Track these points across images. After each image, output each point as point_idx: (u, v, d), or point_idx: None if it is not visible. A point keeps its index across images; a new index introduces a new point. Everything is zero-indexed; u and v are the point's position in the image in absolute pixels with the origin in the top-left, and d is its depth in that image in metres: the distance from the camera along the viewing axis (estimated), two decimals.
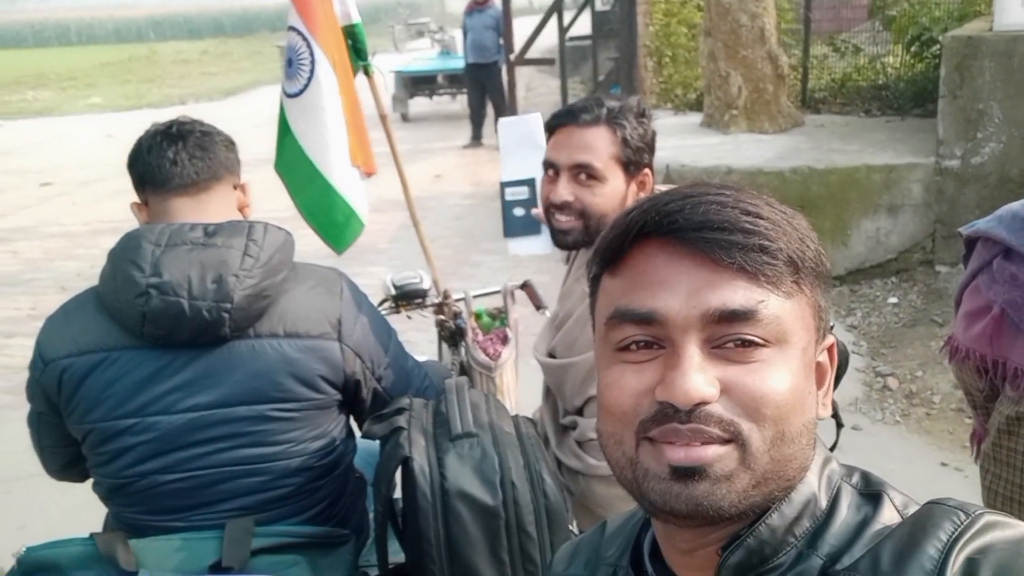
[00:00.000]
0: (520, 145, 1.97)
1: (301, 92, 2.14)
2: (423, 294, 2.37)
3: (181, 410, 1.40)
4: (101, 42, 35.48)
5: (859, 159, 4.96)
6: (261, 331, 1.43)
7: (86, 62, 25.00)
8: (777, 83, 5.96)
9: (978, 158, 4.53)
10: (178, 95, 17.56)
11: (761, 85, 5.90)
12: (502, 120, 2.06)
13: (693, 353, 0.64)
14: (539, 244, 1.97)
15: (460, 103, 12.40)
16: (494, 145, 2.05)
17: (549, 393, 1.79)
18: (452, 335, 2.40)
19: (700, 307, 0.65)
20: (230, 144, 1.59)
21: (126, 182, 1.55)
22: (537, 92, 13.02)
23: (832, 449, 0.77)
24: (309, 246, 2.14)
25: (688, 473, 0.63)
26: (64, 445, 1.53)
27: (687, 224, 0.66)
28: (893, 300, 4.70)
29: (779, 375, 0.65)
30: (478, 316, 2.29)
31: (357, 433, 1.65)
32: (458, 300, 2.35)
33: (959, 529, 0.62)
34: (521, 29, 9.95)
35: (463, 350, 2.28)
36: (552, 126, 1.61)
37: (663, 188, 1.71)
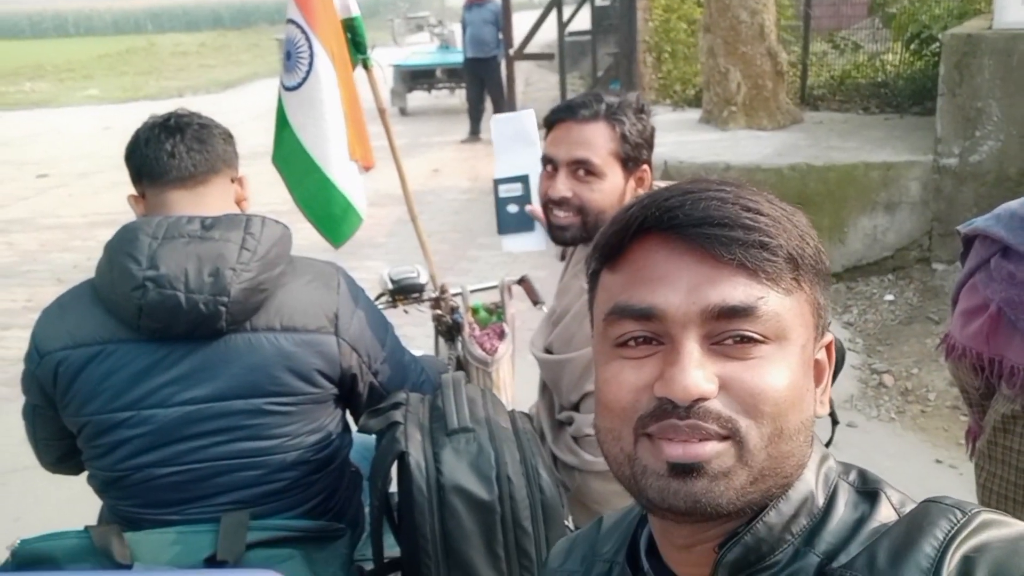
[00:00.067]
0: (514, 142, 1.97)
1: (299, 85, 2.13)
2: (420, 288, 2.37)
3: (177, 403, 1.39)
4: (99, 33, 35.36)
5: (857, 156, 4.96)
6: (258, 325, 1.43)
7: (84, 53, 24.93)
8: (776, 80, 5.95)
9: (976, 156, 4.54)
10: (176, 87, 17.52)
11: (760, 82, 5.90)
12: (495, 117, 2.05)
13: (692, 349, 0.64)
14: (533, 241, 1.97)
15: (459, 97, 12.38)
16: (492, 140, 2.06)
17: (545, 388, 1.79)
18: (449, 330, 2.40)
19: (700, 303, 0.64)
20: (228, 137, 1.58)
21: (123, 174, 1.55)
22: (536, 87, 13.01)
23: (827, 446, 0.77)
24: (306, 239, 2.14)
25: (686, 470, 0.63)
26: (59, 438, 1.53)
27: (687, 220, 0.66)
28: (889, 297, 4.71)
29: (778, 372, 0.65)
30: (475, 311, 2.29)
31: (353, 427, 1.64)
32: (455, 295, 2.35)
33: (956, 527, 0.62)
34: (520, 24, 9.93)
35: (460, 345, 2.28)
36: (551, 121, 1.61)
37: (662, 184, 1.71)
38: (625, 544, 0.80)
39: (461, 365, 2.24)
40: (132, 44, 27.21)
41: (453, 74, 12.13)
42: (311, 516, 1.51)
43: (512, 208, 1.96)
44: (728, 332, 0.65)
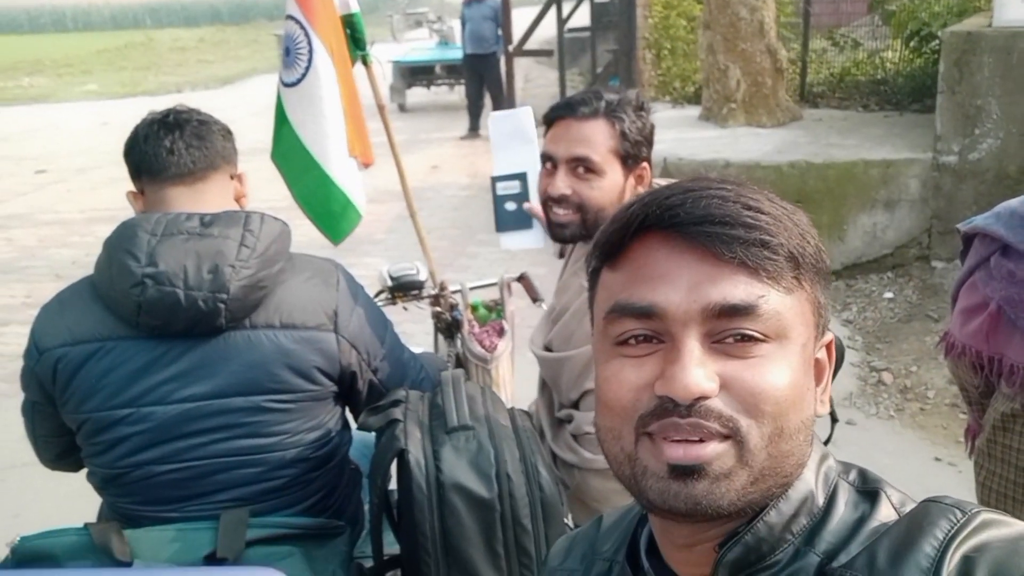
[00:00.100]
0: (511, 139, 1.96)
1: (299, 82, 2.13)
2: (419, 285, 2.37)
3: (176, 400, 1.39)
4: (97, 29, 35.28)
5: (857, 154, 4.96)
6: (257, 322, 1.42)
7: (82, 49, 24.88)
8: (776, 77, 5.95)
9: (975, 154, 4.54)
10: (174, 83, 17.49)
11: (760, 79, 5.90)
12: (493, 114, 2.05)
13: (693, 347, 0.64)
14: (531, 238, 1.97)
15: (458, 94, 12.37)
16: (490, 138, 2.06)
17: (545, 386, 1.79)
18: (448, 327, 2.40)
19: (700, 301, 0.64)
20: (227, 133, 1.58)
21: (122, 170, 1.55)
22: (535, 83, 12.99)
23: (826, 443, 0.77)
24: (305, 236, 2.14)
25: (687, 472, 0.63)
26: (58, 435, 1.53)
27: (688, 218, 0.66)
28: (889, 295, 4.71)
29: (778, 371, 0.65)
30: (474, 308, 2.29)
31: (352, 425, 1.64)
32: (454, 292, 2.35)
33: (955, 527, 0.62)
34: (520, 20, 9.92)
35: (459, 342, 2.28)
36: (550, 119, 1.60)
37: (661, 181, 1.71)
38: (625, 543, 0.80)
39: (460, 362, 2.24)
40: (130, 39, 27.17)
41: (452, 70, 12.11)
42: (311, 513, 1.51)
43: (510, 206, 1.96)
44: (729, 331, 0.65)
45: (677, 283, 0.66)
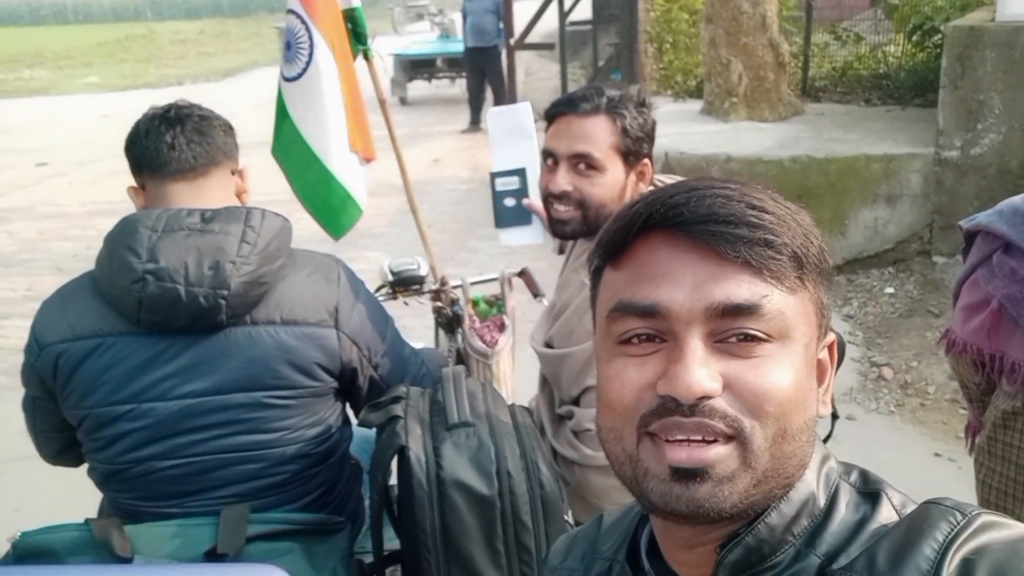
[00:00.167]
0: (510, 135, 1.96)
1: (299, 76, 2.12)
2: (420, 280, 2.37)
3: (177, 396, 1.39)
4: (98, 21, 35.23)
5: (859, 148, 4.95)
6: (258, 318, 1.42)
7: (83, 41, 24.85)
8: (778, 71, 5.94)
9: (978, 149, 4.53)
10: (175, 75, 17.47)
11: (762, 73, 5.88)
12: (491, 110, 2.04)
13: (696, 347, 0.64)
14: (530, 234, 1.96)
15: (459, 87, 12.35)
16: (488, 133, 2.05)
17: (545, 382, 1.79)
18: (449, 322, 2.40)
19: (704, 300, 0.64)
20: (228, 129, 1.57)
21: (122, 163, 1.54)
22: (537, 77, 12.96)
23: (827, 440, 0.77)
24: (306, 229, 2.14)
25: (690, 474, 0.63)
26: (59, 430, 1.53)
27: (692, 217, 0.65)
28: (890, 290, 4.71)
29: (781, 371, 0.65)
30: (475, 303, 2.29)
31: (353, 420, 1.64)
32: (455, 287, 2.35)
33: (955, 529, 0.61)
34: (521, 13, 9.89)
35: (460, 337, 2.27)
36: (551, 115, 1.60)
37: (662, 177, 1.71)
38: (625, 543, 0.79)
39: (461, 357, 2.24)
40: (131, 31, 27.12)
41: (454, 63, 12.08)
42: (311, 509, 1.51)
43: (509, 202, 1.96)
44: (732, 330, 0.64)
45: (680, 282, 0.65)
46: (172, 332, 1.39)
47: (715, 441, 0.63)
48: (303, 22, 2.12)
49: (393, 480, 1.47)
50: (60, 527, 1.37)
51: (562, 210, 1.59)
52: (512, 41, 9.40)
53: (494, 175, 1.97)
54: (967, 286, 1.54)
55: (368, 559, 1.56)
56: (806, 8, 6.88)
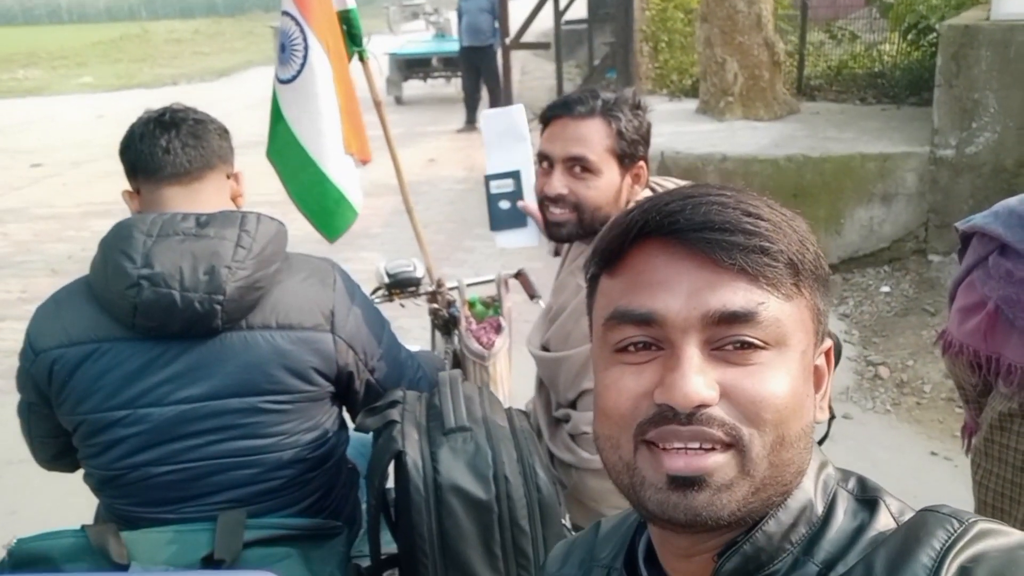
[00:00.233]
0: (504, 137, 1.96)
1: (294, 78, 2.11)
2: (417, 282, 2.37)
3: (173, 402, 1.39)
4: (92, 20, 35.11)
5: (854, 147, 4.96)
6: (254, 323, 1.42)
7: (77, 41, 24.75)
8: (773, 70, 5.94)
9: (973, 148, 4.53)
10: (170, 75, 17.42)
11: (757, 72, 5.88)
12: (484, 113, 2.04)
13: (693, 355, 0.64)
14: (525, 237, 1.96)
15: (455, 86, 12.33)
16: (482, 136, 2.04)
17: (542, 385, 1.79)
18: (446, 323, 2.40)
19: (700, 308, 0.64)
20: (224, 132, 1.57)
21: (117, 163, 1.54)
22: (532, 76, 12.95)
23: (824, 440, 0.77)
24: (301, 230, 2.13)
25: (687, 483, 0.63)
26: (54, 435, 1.52)
27: (688, 224, 0.65)
28: (885, 289, 4.72)
29: (778, 378, 0.64)
30: (472, 304, 2.29)
31: (350, 424, 1.64)
32: (452, 288, 2.34)
33: (952, 537, 0.61)
34: (516, 12, 9.88)
35: (456, 339, 2.27)
36: (547, 118, 1.60)
37: (659, 179, 1.71)
38: (623, 550, 0.79)
39: (458, 359, 2.24)
40: (126, 31, 27.02)
41: (449, 63, 12.07)
42: (308, 514, 1.51)
43: (504, 204, 1.95)
44: (728, 338, 0.64)
45: (676, 290, 0.65)
46: (167, 337, 1.39)
47: (713, 449, 0.63)
48: (297, 24, 2.11)
49: (390, 483, 1.47)
50: (56, 533, 1.36)
51: (558, 213, 1.58)
52: (508, 40, 9.40)
53: (488, 178, 1.97)
54: (963, 288, 1.54)
55: (365, 563, 1.55)
56: (801, 7, 6.88)
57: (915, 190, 4.78)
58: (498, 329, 2.16)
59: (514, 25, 9.48)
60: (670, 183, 1.70)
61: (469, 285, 2.33)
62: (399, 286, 2.36)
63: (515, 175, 1.95)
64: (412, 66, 12.43)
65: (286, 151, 2.16)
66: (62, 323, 1.42)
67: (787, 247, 0.66)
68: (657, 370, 0.65)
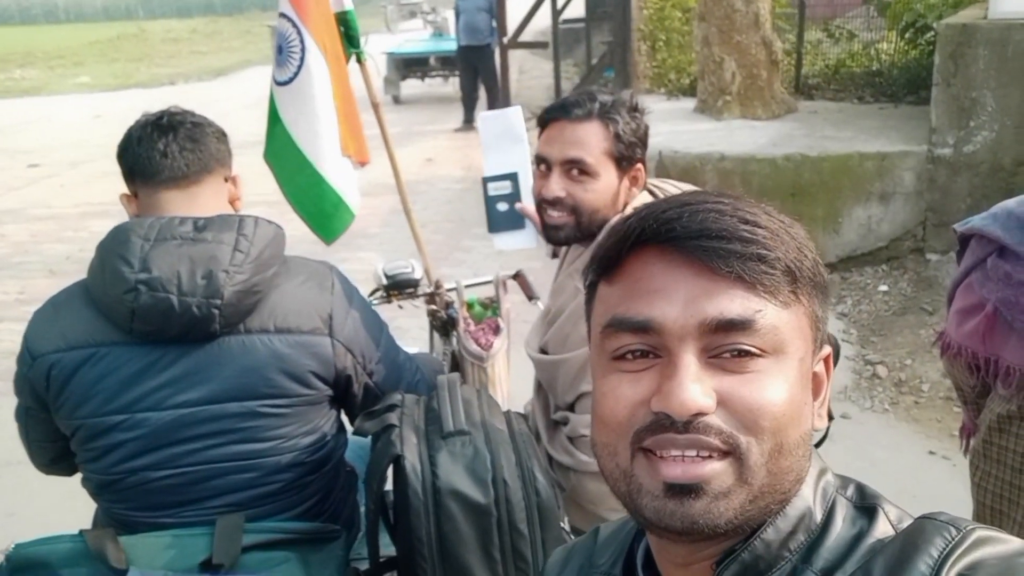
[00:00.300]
0: (501, 139, 1.96)
1: (291, 80, 2.11)
2: (415, 284, 2.37)
3: (171, 406, 1.39)
4: (89, 20, 35.05)
5: (852, 146, 4.96)
6: (251, 327, 1.42)
7: (74, 40, 24.72)
8: (771, 69, 5.94)
9: (970, 146, 4.53)
10: (167, 75, 17.40)
11: (755, 71, 5.88)
12: (482, 115, 2.04)
13: (690, 363, 0.64)
14: (523, 238, 1.96)
15: (452, 85, 12.32)
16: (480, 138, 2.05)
17: (540, 388, 1.79)
18: (444, 325, 2.40)
19: (697, 316, 0.64)
20: (221, 136, 1.56)
21: (115, 164, 1.54)
22: (530, 75, 12.95)
23: (822, 442, 0.77)
24: (298, 231, 2.13)
25: (684, 490, 0.63)
26: (52, 440, 1.52)
27: (685, 232, 0.65)
28: (883, 288, 4.72)
29: (776, 386, 0.64)
30: (470, 306, 2.28)
31: (348, 427, 1.64)
32: (450, 290, 2.34)
33: (950, 545, 0.61)
34: (514, 11, 9.87)
35: (455, 340, 2.27)
36: (544, 120, 1.60)
37: (656, 182, 1.71)
38: (622, 557, 0.79)
39: (456, 360, 2.23)
40: (123, 30, 27.00)
41: (447, 62, 12.05)
42: (306, 518, 1.51)
43: (502, 206, 1.95)
44: (726, 346, 0.64)
45: (674, 298, 0.65)
46: (165, 342, 1.39)
47: (710, 457, 0.63)
48: (294, 25, 2.11)
49: (389, 486, 1.47)
50: (54, 538, 1.36)
51: (555, 216, 1.58)
52: (505, 39, 9.39)
53: (486, 180, 1.97)
54: (961, 289, 1.54)
55: (364, 566, 1.55)
56: (799, 5, 6.89)
57: (913, 189, 4.79)
58: (496, 330, 2.16)
59: (512, 24, 9.48)
60: (668, 185, 1.70)
61: (467, 286, 2.33)
62: (397, 287, 2.36)
63: (513, 177, 1.95)
64: (410, 65, 12.42)
65: (283, 153, 2.16)
66: (59, 327, 1.42)
67: (785, 254, 0.66)
68: (654, 378, 0.65)
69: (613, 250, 0.70)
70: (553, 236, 1.63)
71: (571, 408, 1.65)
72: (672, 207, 0.68)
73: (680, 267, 0.66)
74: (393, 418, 1.42)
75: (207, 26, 28.83)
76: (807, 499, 0.68)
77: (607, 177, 1.56)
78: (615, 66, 8.51)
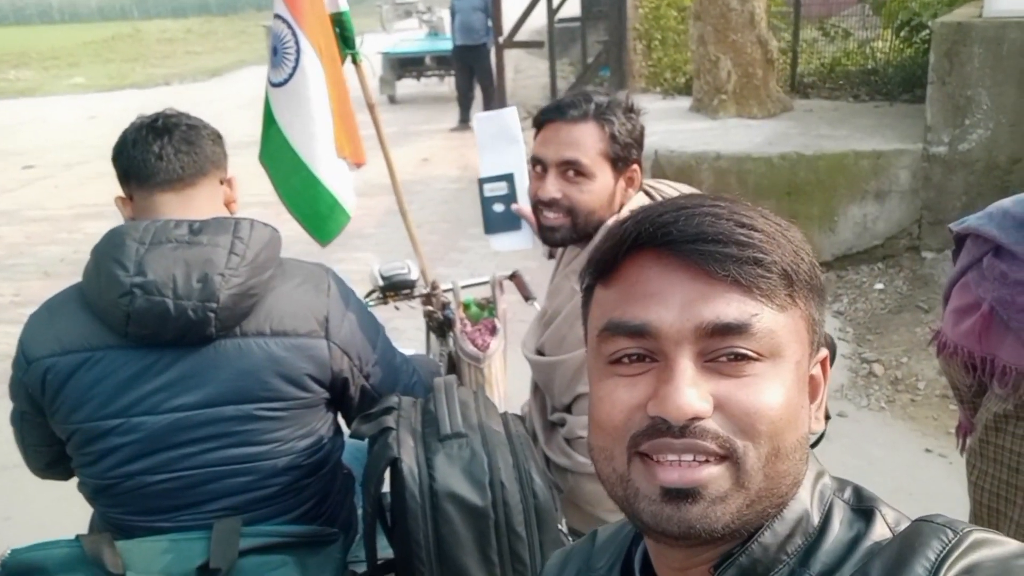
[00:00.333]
0: (496, 140, 1.96)
1: (286, 82, 2.11)
2: (411, 285, 2.36)
3: (167, 410, 1.38)
4: (84, 20, 34.99)
5: (847, 145, 4.96)
6: (248, 330, 1.41)
7: (69, 41, 24.68)
8: (766, 68, 5.94)
9: (965, 145, 4.54)
10: (162, 75, 17.38)
11: (750, 70, 5.89)
12: (477, 116, 2.04)
13: (686, 367, 0.64)
14: (520, 239, 1.97)
15: (448, 85, 12.33)
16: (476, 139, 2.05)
17: (537, 389, 1.79)
18: (440, 326, 2.40)
19: (693, 320, 0.64)
20: (217, 138, 1.56)
21: (110, 165, 1.53)
22: (526, 74, 12.95)
23: (819, 441, 0.77)
24: (293, 230, 2.13)
25: (681, 495, 0.63)
26: (48, 444, 1.52)
27: (681, 236, 0.65)
28: (879, 286, 4.73)
29: (773, 389, 0.64)
30: (466, 306, 2.28)
31: (345, 430, 1.64)
32: (446, 291, 2.34)
33: (947, 548, 0.61)
34: (509, 10, 9.87)
35: (451, 341, 2.27)
36: (540, 122, 1.60)
37: (652, 183, 1.71)
38: (619, 560, 0.79)
39: (453, 361, 2.23)
40: (118, 31, 26.96)
41: (442, 61, 12.06)
42: (304, 521, 1.51)
43: (498, 207, 1.96)
44: (722, 349, 0.64)
45: (670, 302, 0.65)
46: (161, 345, 1.38)
47: (707, 461, 0.63)
48: (289, 27, 2.11)
49: (386, 487, 1.46)
50: (51, 544, 1.36)
51: (552, 217, 1.58)
52: (501, 39, 9.38)
53: (482, 181, 1.97)
54: (957, 289, 1.55)
55: (362, 568, 1.55)
56: (794, 4, 6.89)
57: (908, 187, 4.79)
58: (493, 331, 2.16)
59: (507, 23, 9.47)
60: (664, 185, 1.70)
61: (464, 287, 2.33)
62: (394, 289, 2.36)
63: (508, 178, 1.95)
64: (405, 65, 12.43)
65: (278, 155, 2.15)
66: (55, 331, 1.41)
67: (781, 258, 0.66)
68: (651, 382, 0.65)
69: (609, 254, 0.70)
70: (549, 237, 1.63)
71: (568, 409, 1.65)
72: (668, 211, 0.68)
73: (676, 271, 0.66)
74: (390, 421, 1.42)
75: (202, 26, 28.80)
76: (804, 502, 0.68)
77: (603, 178, 1.56)
78: (611, 65, 8.51)
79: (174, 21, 31.63)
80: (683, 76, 7.47)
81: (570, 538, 1.41)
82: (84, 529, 1.53)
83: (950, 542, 0.62)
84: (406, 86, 12.89)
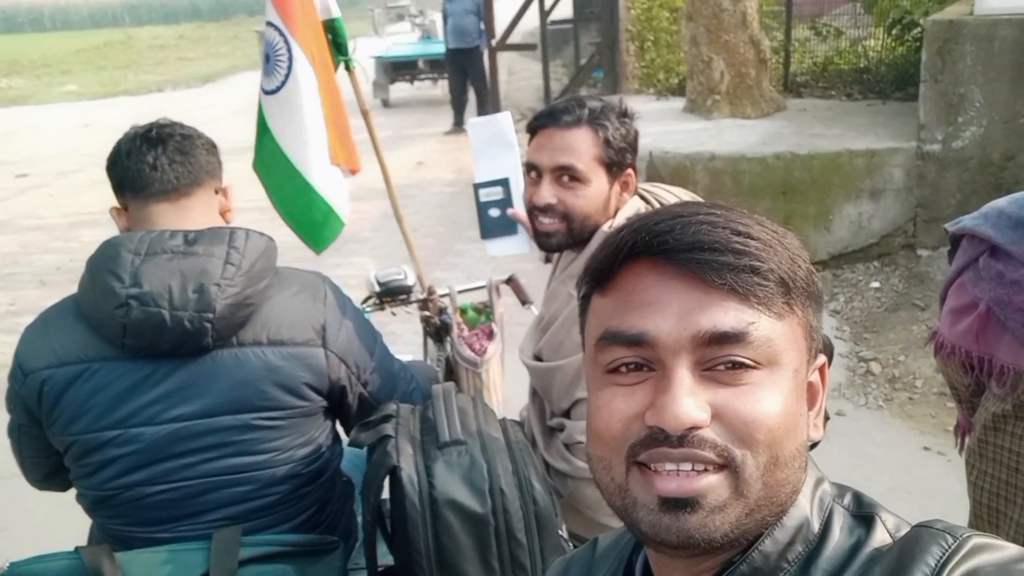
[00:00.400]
0: (491, 145, 1.96)
1: (278, 89, 2.10)
2: (408, 290, 2.36)
3: (165, 421, 1.38)
4: (76, 27, 34.93)
5: (841, 144, 4.98)
6: (244, 339, 1.41)
7: (61, 48, 24.63)
8: (759, 67, 5.96)
9: (959, 142, 4.55)
10: (155, 82, 17.36)
11: (743, 70, 5.90)
12: (471, 121, 2.04)
13: (684, 376, 0.64)
14: (516, 244, 1.97)
15: (441, 88, 12.33)
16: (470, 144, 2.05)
17: (536, 395, 1.79)
18: (437, 331, 2.39)
19: (690, 329, 0.64)
20: (211, 147, 1.56)
21: (103, 172, 1.53)
22: (519, 76, 12.96)
23: (817, 443, 0.77)
24: (289, 236, 2.13)
25: (679, 504, 0.63)
26: (46, 456, 1.51)
27: (677, 245, 0.65)
28: (875, 284, 4.74)
29: (771, 398, 0.64)
30: (463, 311, 2.28)
31: (344, 437, 1.63)
32: (443, 296, 2.34)
33: (947, 553, 0.61)
34: (502, 13, 9.87)
35: (449, 346, 2.27)
36: (533, 128, 1.60)
37: (647, 186, 1.71)
38: (620, 569, 0.79)
39: (450, 366, 2.23)
40: (110, 37, 26.92)
41: (435, 65, 12.05)
42: (303, 529, 1.50)
43: (494, 212, 1.96)
44: (720, 358, 0.64)
45: (667, 311, 0.65)
46: (158, 356, 1.38)
47: (705, 470, 0.63)
48: (281, 34, 2.10)
49: (385, 494, 1.46)
50: (49, 556, 1.35)
51: (547, 223, 1.58)
52: (493, 42, 9.38)
53: (477, 186, 1.97)
54: (954, 289, 1.55)
55: (362, 575, 1.55)
56: (786, 3, 6.91)
57: (903, 185, 4.81)
58: (490, 335, 2.16)
59: (500, 26, 9.47)
60: (659, 190, 1.70)
61: (460, 292, 2.32)
62: (390, 294, 2.36)
63: (504, 183, 1.95)
64: (398, 69, 12.42)
65: (272, 163, 2.15)
66: (51, 343, 1.41)
67: (778, 265, 0.65)
68: (648, 392, 0.65)
69: (606, 262, 0.69)
70: (545, 243, 1.63)
71: (567, 414, 1.65)
72: (664, 219, 0.67)
73: (673, 280, 0.66)
74: (389, 429, 1.42)
75: (194, 32, 28.77)
76: (804, 509, 0.67)
77: (598, 183, 1.56)
78: (603, 66, 8.52)
79: (166, 27, 31.61)
80: (676, 77, 7.49)
81: (571, 543, 1.41)
82: (83, 540, 1.53)
83: (950, 547, 0.62)
84: (399, 90, 12.89)
